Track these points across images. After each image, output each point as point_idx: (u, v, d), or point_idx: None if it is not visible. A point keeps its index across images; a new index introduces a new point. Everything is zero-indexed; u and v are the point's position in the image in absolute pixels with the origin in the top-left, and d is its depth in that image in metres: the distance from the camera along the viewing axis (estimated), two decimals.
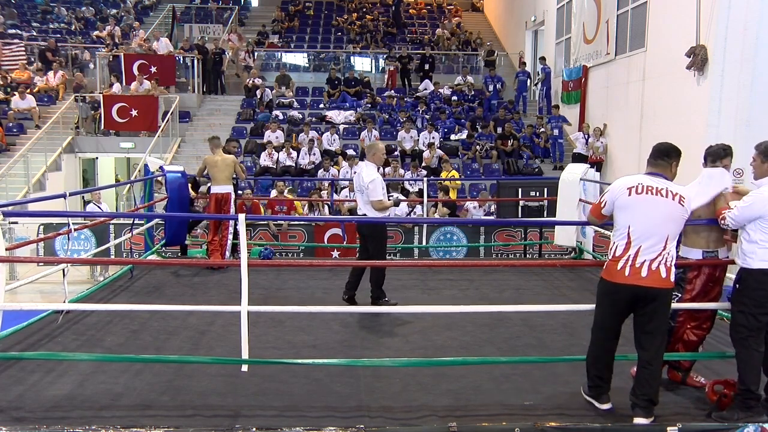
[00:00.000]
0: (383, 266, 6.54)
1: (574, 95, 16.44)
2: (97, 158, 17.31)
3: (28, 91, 16.96)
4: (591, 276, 7.45)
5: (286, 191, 12.26)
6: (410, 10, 25.37)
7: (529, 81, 18.83)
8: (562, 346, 5.34)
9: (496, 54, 20.46)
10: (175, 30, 21.50)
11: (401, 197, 7.19)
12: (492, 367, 4.72)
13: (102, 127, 16.06)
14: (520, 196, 10.94)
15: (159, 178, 9.44)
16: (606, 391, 4.09)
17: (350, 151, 15.20)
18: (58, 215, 6.40)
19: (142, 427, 3.71)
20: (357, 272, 6.52)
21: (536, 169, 15.27)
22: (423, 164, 14.54)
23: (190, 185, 9.02)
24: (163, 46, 18.46)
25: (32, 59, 19.22)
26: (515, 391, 4.37)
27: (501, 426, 3.80)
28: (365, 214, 6.44)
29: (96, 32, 20.82)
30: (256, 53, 20.01)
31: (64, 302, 5.82)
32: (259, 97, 17.76)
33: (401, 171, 14.10)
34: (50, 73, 18.04)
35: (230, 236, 8.40)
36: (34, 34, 21.42)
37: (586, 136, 15.02)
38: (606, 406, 4.06)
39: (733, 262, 4.26)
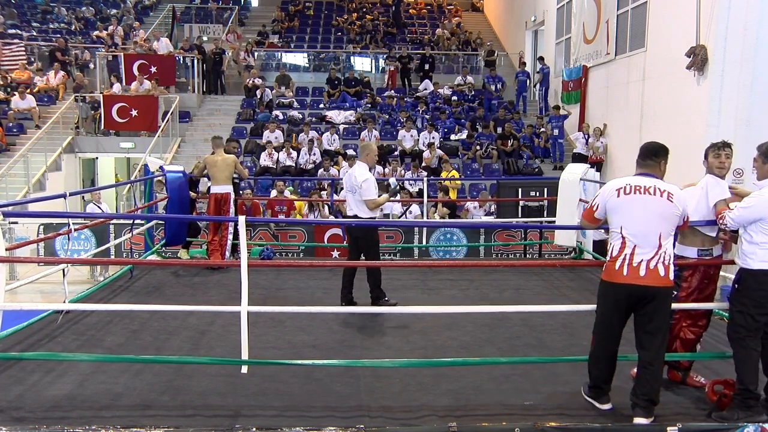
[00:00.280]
0: (378, 266, 6.52)
1: (574, 95, 16.44)
2: (97, 158, 17.32)
3: (28, 91, 16.96)
4: (591, 276, 7.45)
5: (286, 191, 12.27)
6: (410, 10, 25.37)
7: (528, 81, 18.83)
8: (562, 346, 5.34)
9: (496, 54, 20.46)
10: (175, 30, 21.51)
11: (396, 186, 7.19)
12: (492, 367, 4.72)
13: (102, 127, 16.07)
14: (520, 196, 10.95)
15: (160, 179, 9.44)
16: (606, 392, 4.09)
17: (350, 151, 15.20)
18: (58, 215, 6.39)
19: (142, 427, 3.71)
20: (348, 273, 6.51)
21: (536, 169, 15.27)
22: (423, 164, 14.54)
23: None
24: (163, 46, 18.47)
25: (32, 59, 19.23)
26: (515, 391, 4.37)
27: (501, 426, 3.81)
28: (356, 215, 6.41)
29: (96, 32, 20.81)
30: (256, 53, 20.01)
31: (64, 302, 5.83)
32: (259, 97, 17.77)
33: (401, 171, 14.11)
34: (50, 73, 18.04)
35: (230, 236, 8.40)
36: (34, 34, 21.42)
37: (586, 136, 15.02)
38: (606, 406, 4.06)
39: (733, 263, 4.26)
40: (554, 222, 9.24)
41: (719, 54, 10.09)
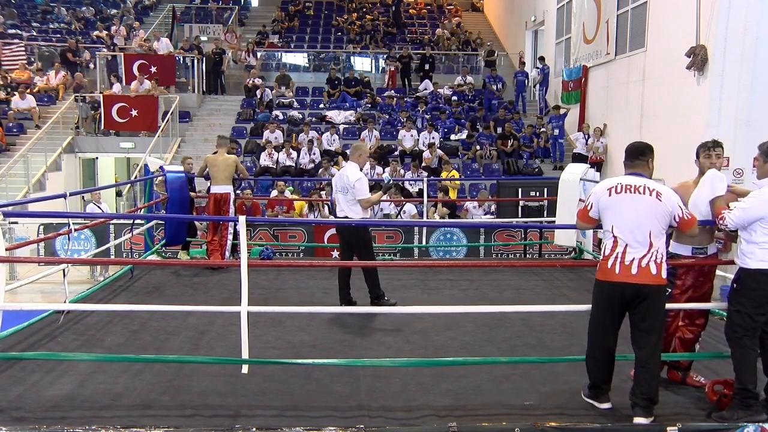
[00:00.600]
0: (374, 267, 6.51)
1: (574, 95, 16.43)
2: (97, 158, 17.31)
3: (28, 91, 16.96)
4: (591, 276, 7.36)
5: (286, 191, 12.27)
6: (410, 10, 25.37)
7: (527, 81, 18.83)
8: (562, 346, 5.34)
9: (496, 54, 20.46)
10: (175, 30, 21.50)
11: (389, 181, 7.20)
12: (492, 367, 4.72)
13: (102, 127, 16.06)
14: (520, 196, 10.95)
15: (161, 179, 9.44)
16: (606, 391, 4.10)
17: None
18: (58, 215, 6.40)
19: (142, 427, 3.72)
20: (343, 274, 6.50)
21: (536, 169, 15.27)
22: (423, 164, 14.54)
23: None
24: (163, 46, 18.47)
25: (32, 59, 19.23)
26: (515, 391, 4.38)
27: (501, 426, 3.81)
28: (347, 216, 6.39)
29: (96, 32, 20.81)
30: (259, 53, 20.01)
31: (65, 302, 5.83)
32: (259, 97, 17.76)
33: (401, 171, 14.10)
34: (51, 73, 18.04)
35: (230, 236, 8.40)
36: (34, 34, 21.42)
37: (586, 136, 15.02)
38: (606, 406, 4.07)
39: (732, 263, 4.26)
40: (554, 222, 9.25)
41: (719, 54, 10.09)
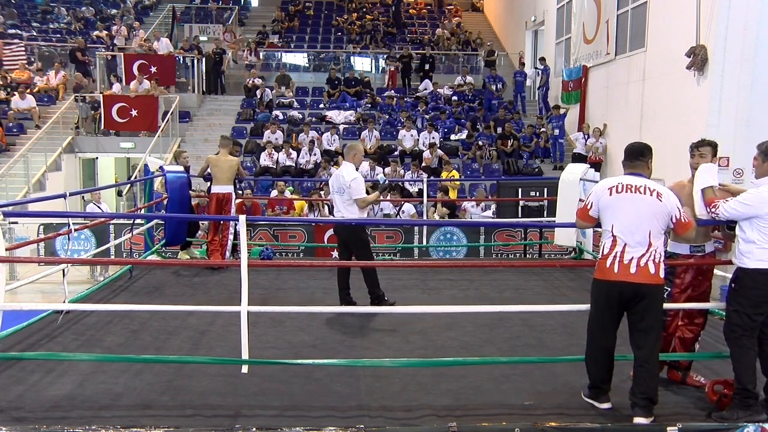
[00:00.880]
0: (372, 267, 6.51)
1: (574, 95, 16.43)
2: (97, 158, 17.31)
3: (28, 91, 16.96)
4: (591, 276, 7.40)
5: (287, 191, 12.27)
6: (410, 10, 25.38)
7: (526, 81, 18.82)
8: (562, 346, 5.34)
9: (496, 54, 20.46)
10: (175, 30, 21.51)
11: (385, 181, 7.21)
12: (492, 367, 4.72)
13: (102, 127, 16.06)
14: (520, 196, 10.94)
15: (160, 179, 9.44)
16: (606, 391, 4.10)
17: None
18: (58, 215, 6.40)
19: (142, 427, 3.72)
20: (342, 275, 6.49)
21: (536, 169, 15.27)
22: (423, 164, 14.54)
23: None
24: (163, 46, 18.47)
25: (32, 59, 19.22)
26: (515, 391, 4.38)
27: (501, 426, 3.81)
28: (343, 217, 6.38)
29: (96, 32, 20.81)
30: (261, 53, 20.00)
31: (64, 302, 5.83)
32: (259, 97, 17.76)
33: (401, 171, 14.10)
34: (51, 73, 18.04)
35: (231, 236, 8.40)
36: (34, 34, 21.43)
37: (586, 136, 15.02)
38: (605, 406, 4.07)
39: (730, 262, 4.27)
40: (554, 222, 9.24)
41: (719, 54, 10.10)
